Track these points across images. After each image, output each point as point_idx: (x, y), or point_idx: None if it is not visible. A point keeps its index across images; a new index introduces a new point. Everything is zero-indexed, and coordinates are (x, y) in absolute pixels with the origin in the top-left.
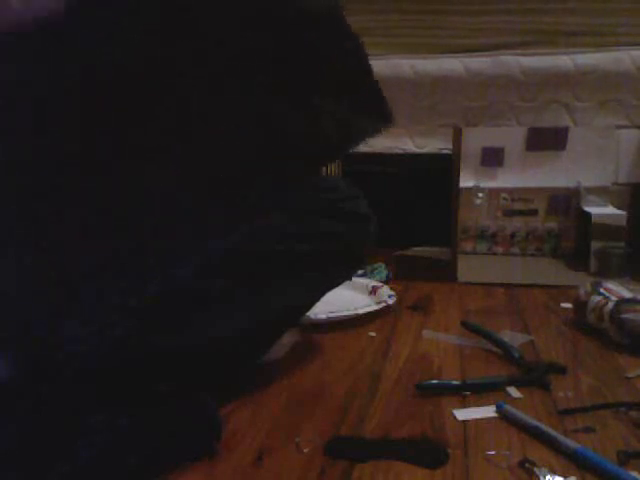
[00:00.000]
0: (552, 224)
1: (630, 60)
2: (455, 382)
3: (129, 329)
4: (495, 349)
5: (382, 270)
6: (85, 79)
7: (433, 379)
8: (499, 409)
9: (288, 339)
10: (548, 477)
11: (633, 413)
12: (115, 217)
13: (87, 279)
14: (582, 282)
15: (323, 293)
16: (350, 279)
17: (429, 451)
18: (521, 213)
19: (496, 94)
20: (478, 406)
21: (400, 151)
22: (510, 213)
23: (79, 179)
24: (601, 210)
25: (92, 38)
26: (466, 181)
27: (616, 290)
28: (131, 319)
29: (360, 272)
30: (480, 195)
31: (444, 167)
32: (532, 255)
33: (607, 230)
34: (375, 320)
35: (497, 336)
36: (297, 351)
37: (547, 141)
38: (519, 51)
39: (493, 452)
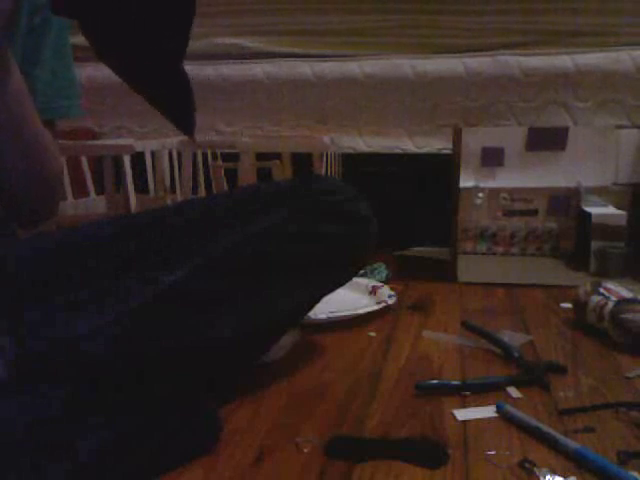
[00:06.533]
0: (552, 224)
1: (630, 60)
2: (455, 382)
3: (129, 329)
4: (495, 349)
5: (382, 270)
6: None
7: (433, 379)
8: (499, 409)
9: (288, 339)
10: (548, 477)
11: (633, 413)
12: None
13: (87, 280)
14: (582, 282)
15: (324, 294)
16: (351, 280)
17: (429, 451)
18: (521, 213)
19: (496, 94)
20: (478, 406)
21: (400, 151)
22: (510, 213)
23: None
24: (601, 210)
25: None
26: (466, 181)
27: (616, 290)
28: (131, 319)
29: (360, 272)
30: (480, 195)
31: (444, 167)
32: (532, 255)
33: (607, 230)
34: (375, 320)
35: (497, 336)
36: (297, 351)
37: (547, 141)
38: (519, 51)
39: (493, 452)
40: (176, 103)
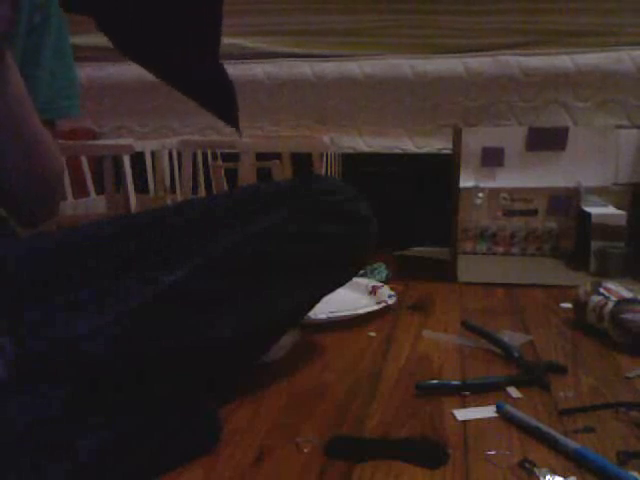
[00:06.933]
0: (552, 224)
1: (630, 60)
2: (455, 382)
3: (129, 329)
4: (495, 349)
5: (382, 270)
6: None
7: (433, 379)
8: (499, 409)
9: (288, 339)
10: (548, 477)
11: (633, 413)
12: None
13: (87, 280)
14: (582, 282)
15: (324, 294)
16: (351, 280)
17: (429, 451)
18: (521, 213)
19: (496, 94)
20: (478, 406)
21: (400, 151)
22: (510, 213)
23: None
24: (601, 210)
25: None
26: (466, 181)
27: (616, 290)
28: (131, 319)
29: (360, 272)
30: (480, 195)
31: (444, 167)
32: (532, 255)
33: (607, 230)
34: (375, 320)
35: (497, 336)
36: (297, 351)
37: (547, 141)
38: (519, 51)
39: (493, 452)
40: (216, 97)
